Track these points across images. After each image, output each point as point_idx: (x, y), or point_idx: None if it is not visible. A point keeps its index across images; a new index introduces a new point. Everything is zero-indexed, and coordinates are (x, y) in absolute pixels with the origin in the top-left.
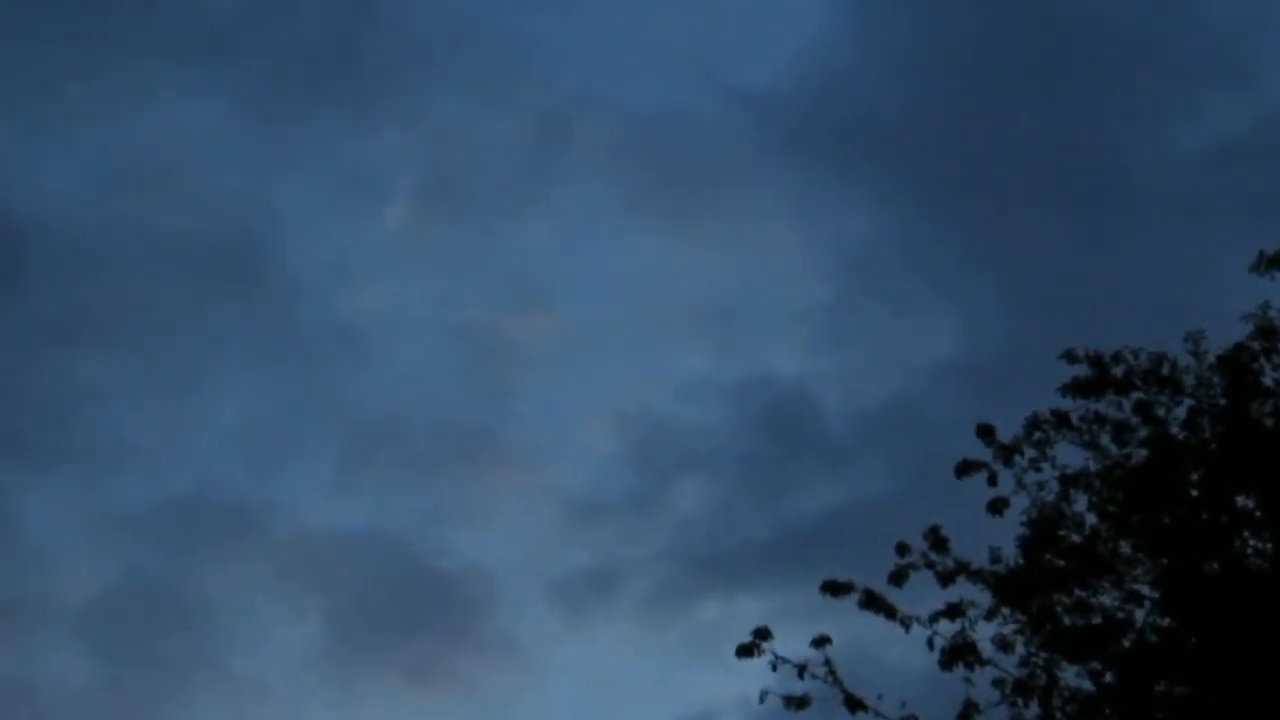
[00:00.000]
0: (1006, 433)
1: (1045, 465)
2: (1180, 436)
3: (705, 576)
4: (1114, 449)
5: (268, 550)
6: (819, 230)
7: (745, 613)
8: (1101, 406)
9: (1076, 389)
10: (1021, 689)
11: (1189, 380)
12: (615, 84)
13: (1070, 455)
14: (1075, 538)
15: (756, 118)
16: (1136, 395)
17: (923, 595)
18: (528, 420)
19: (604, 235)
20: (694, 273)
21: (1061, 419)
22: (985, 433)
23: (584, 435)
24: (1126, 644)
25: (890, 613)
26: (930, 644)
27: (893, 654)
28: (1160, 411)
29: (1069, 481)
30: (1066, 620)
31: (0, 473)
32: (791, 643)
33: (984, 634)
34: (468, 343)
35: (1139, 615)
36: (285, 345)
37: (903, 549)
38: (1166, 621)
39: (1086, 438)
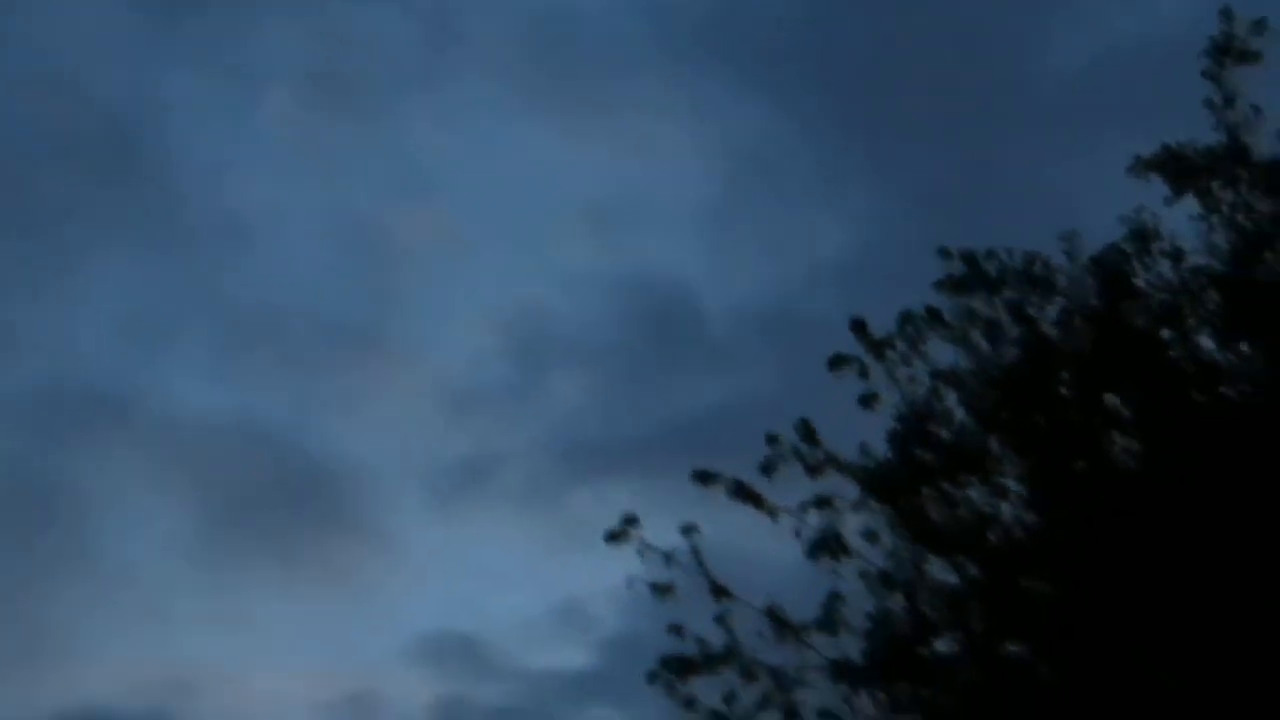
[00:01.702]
0: (883, 330)
1: (917, 361)
2: (1052, 336)
3: (580, 468)
4: (986, 347)
5: (141, 438)
6: (706, 129)
7: (618, 503)
8: (974, 304)
9: (950, 286)
10: (887, 582)
11: (1062, 280)
12: None
13: (942, 352)
14: (945, 434)
15: (650, 14)
16: (1009, 294)
17: (792, 488)
18: (408, 312)
19: (490, 129)
20: (580, 168)
21: (934, 315)
22: (858, 328)
23: (464, 327)
24: (993, 540)
25: (759, 503)
26: (797, 535)
27: (760, 545)
28: (1032, 311)
29: (940, 378)
30: (934, 515)
31: None
32: (662, 533)
33: (851, 527)
34: (350, 236)
35: (1006, 512)
36: (165, 236)
37: (773, 440)
38: (1033, 519)
39: (959, 335)
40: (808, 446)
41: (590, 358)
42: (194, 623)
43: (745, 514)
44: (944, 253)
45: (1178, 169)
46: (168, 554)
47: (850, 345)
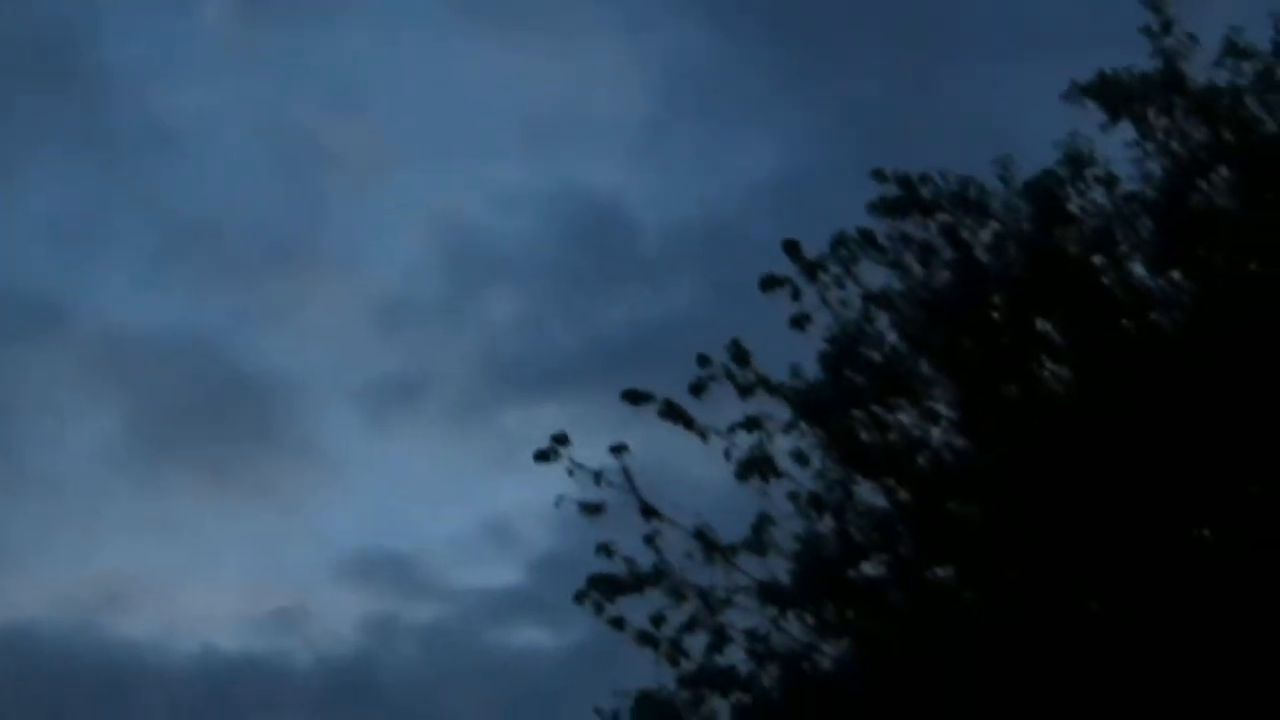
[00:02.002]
0: (817, 252)
1: (849, 283)
2: (985, 261)
3: (511, 385)
4: (919, 270)
5: (71, 346)
6: (642, 44)
7: (549, 422)
8: (908, 227)
9: (883, 209)
10: (817, 504)
11: (996, 205)
12: None
13: (875, 275)
14: (876, 356)
15: None
16: (943, 217)
17: (723, 408)
18: (339, 225)
19: (425, 40)
20: (515, 82)
21: (867, 238)
22: (791, 249)
23: (395, 242)
24: (923, 464)
25: (689, 423)
26: (727, 456)
27: (690, 465)
28: (966, 235)
29: (872, 300)
30: (864, 437)
31: None
32: (594, 452)
33: (781, 448)
34: (283, 145)
35: (936, 436)
36: (97, 141)
37: (704, 361)
38: (963, 443)
39: (891, 257)
40: (739, 367)
41: (523, 274)
42: (122, 534)
43: (676, 434)
44: (878, 175)
45: (1113, 95)
46: (96, 465)
47: (783, 266)
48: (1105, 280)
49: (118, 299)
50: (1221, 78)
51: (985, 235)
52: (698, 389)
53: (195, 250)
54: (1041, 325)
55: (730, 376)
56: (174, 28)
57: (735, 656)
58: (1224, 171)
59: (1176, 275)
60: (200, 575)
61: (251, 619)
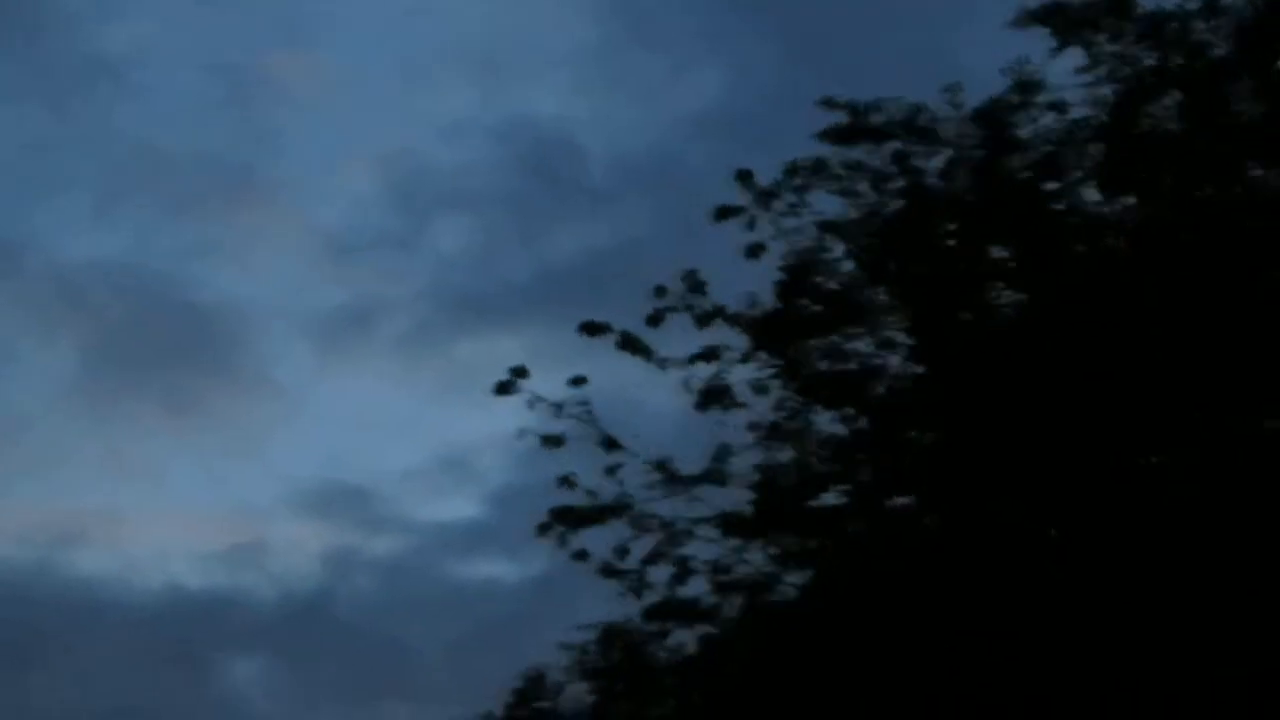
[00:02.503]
0: (769, 180)
1: (803, 212)
2: (936, 187)
3: (464, 316)
4: (871, 197)
5: (22, 283)
6: None
7: (504, 353)
8: (860, 155)
9: (834, 136)
10: (776, 433)
11: (946, 131)
12: None
13: (828, 203)
14: (831, 284)
15: None
16: (894, 145)
17: (680, 339)
18: (288, 158)
19: None
20: (459, 12)
21: (819, 166)
22: (744, 178)
23: (345, 175)
24: (880, 390)
25: (647, 354)
26: (686, 386)
27: (650, 396)
28: (917, 162)
29: (826, 228)
30: (821, 366)
31: None
32: (550, 384)
33: (739, 378)
34: (229, 79)
35: (892, 362)
36: (40, 76)
37: (660, 292)
38: (919, 369)
39: (844, 185)
40: (695, 297)
41: (472, 204)
42: (78, 470)
43: (634, 365)
44: (828, 103)
45: (1061, 21)
46: (52, 398)
47: (734, 196)
48: (1055, 205)
49: (67, 235)
50: (1169, 1)
51: (936, 162)
52: (655, 320)
53: (144, 184)
54: (994, 251)
55: (687, 307)
56: None
57: (698, 588)
58: (1173, 95)
59: (1126, 199)
60: (159, 510)
61: (212, 554)
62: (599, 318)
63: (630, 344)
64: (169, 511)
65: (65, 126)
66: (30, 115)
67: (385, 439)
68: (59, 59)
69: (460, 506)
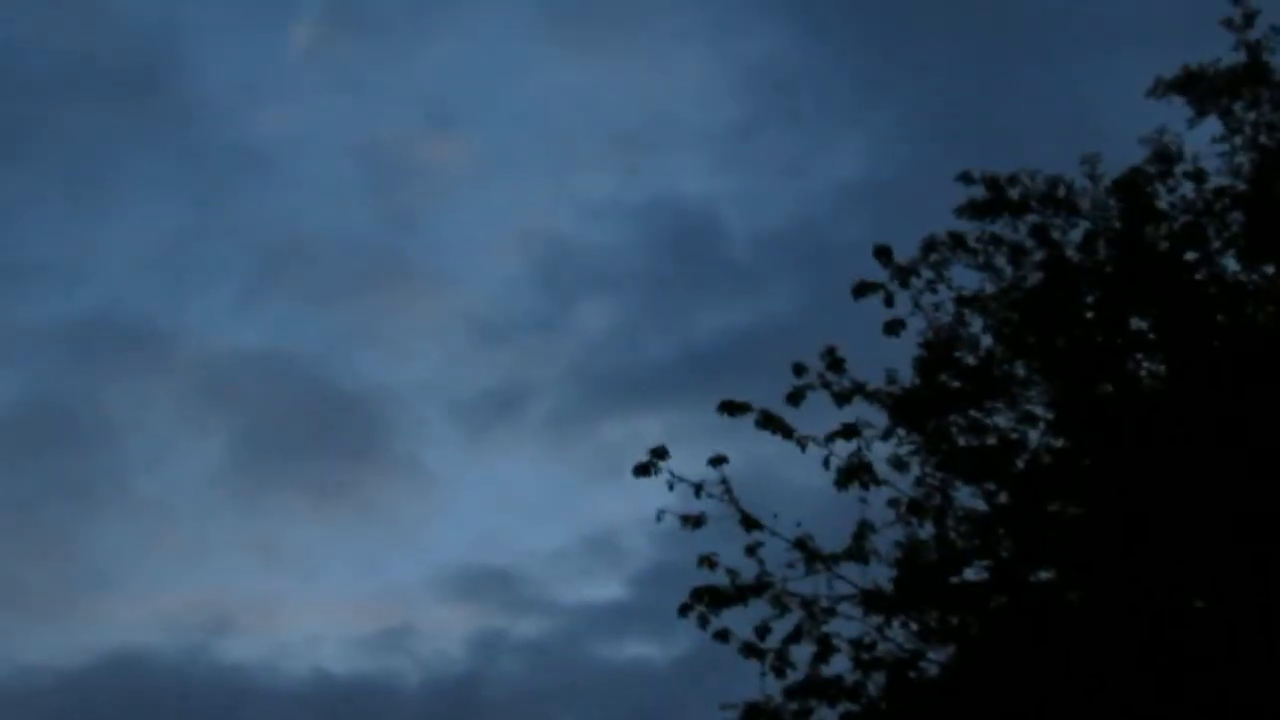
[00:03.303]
0: (907, 255)
1: (941, 287)
2: (1075, 259)
3: (608, 397)
4: (1010, 271)
5: (173, 371)
6: (728, 52)
7: (647, 433)
8: (998, 228)
9: (972, 211)
10: (916, 509)
11: (1085, 203)
12: None
13: (966, 277)
14: (970, 359)
15: None
16: (1032, 218)
17: (820, 416)
18: (434, 242)
19: (512, 55)
20: (602, 93)
21: (957, 240)
22: (882, 254)
23: (490, 257)
24: (1020, 465)
25: (787, 432)
26: (826, 464)
27: (790, 474)
28: (1056, 234)
29: (965, 303)
30: (961, 441)
31: None
32: (692, 463)
33: (879, 454)
34: (374, 164)
35: (1033, 436)
36: (190, 164)
37: (799, 370)
38: (1060, 442)
39: (982, 260)
40: (834, 375)
41: (616, 285)
42: (229, 556)
43: (774, 443)
44: (965, 178)
45: (1199, 90)
46: (201, 487)
47: (874, 270)
48: (1196, 275)
49: (216, 322)
50: None
51: (1075, 234)
52: (794, 398)
53: (290, 271)
54: (1135, 322)
55: (826, 384)
56: (263, 50)
57: (841, 666)
58: None
59: (1268, 268)
60: (307, 595)
61: (359, 639)
62: (741, 395)
63: (770, 422)
64: (317, 597)
65: (214, 216)
66: (180, 206)
67: (531, 520)
68: (208, 149)
69: (606, 587)
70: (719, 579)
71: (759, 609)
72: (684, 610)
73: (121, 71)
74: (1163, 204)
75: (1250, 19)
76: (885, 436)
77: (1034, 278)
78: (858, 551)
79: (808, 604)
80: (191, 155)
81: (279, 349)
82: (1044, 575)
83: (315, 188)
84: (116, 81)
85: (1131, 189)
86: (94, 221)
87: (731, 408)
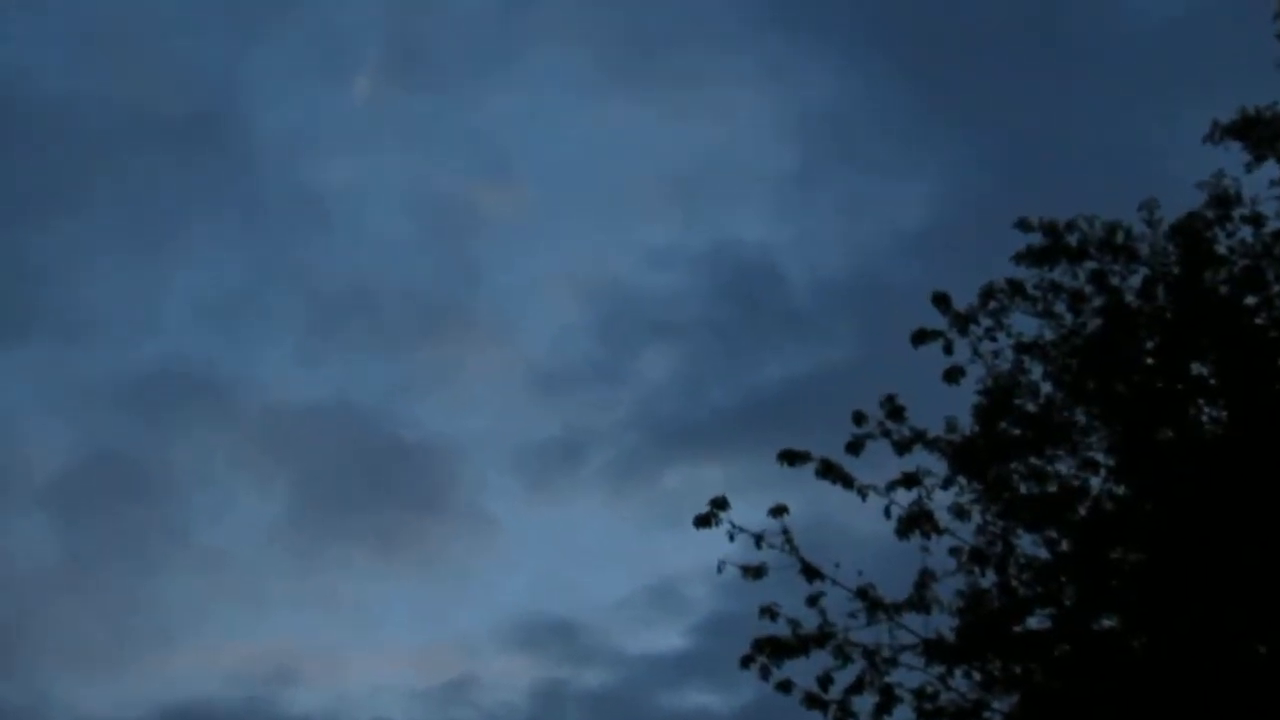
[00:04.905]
0: (966, 302)
1: (1001, 334)
2: (1135, 305)
3: (670, 445)
4: (1069, 317)
5: (233, 422)
6: (786, 97)
7: (709, 481)
8: (1056, 275)
9: (1031, 257)
10: (978, 557)
11: (1143, 249)
12: None
13: (1026, 324)
14: (1031, 406)
15: None
16: (1091, 264)
17: (880, 464)
18: (494, 290)
19: (570, 103)
20: (660, 140)
21: (1016, 288)
22: (941, 301)
23: (550, 305)
24: (1082, 512)
25: (847, 482)
26: (887, 513)
27: (850, 523)
28: (1115, 280)
29: (1024, 350)
30: (1022, 488)
31: None
32: (753, 512)
33: (940, 503)
34: (434, 213)
35: (1095, 483)
36: (250, 216)
37: (859, 418)
38: (1122, 489)
39: (1041, 306)
40: (894, 423)
41: (675, 333)
42: (290, 608)
43: (834, 492)
44: (1024, 224)
45: (1256, 134)
46: (262, 537)
47: (933, 316)
48: (1257, 319)
49: (276, 372)
50: None
51: (1134, 280)
52: (854, 446)
53: (350, 320)
54: (1195, 368)
55: (886, 433)
56: (323, 100)
57: (903, 716)
58: None
59: None
60: (368, 645)
61: (422, 690)
62: (801, 444)
63: (830, 471)
64: (379, 648)
65: (275, 267)
66: (241, 257)
67: (594, 570)
68: (269, 200)
69: (669, 637)
70: (780, 629)
71: (821, 659)
72: (746, 662)
73: (183, 122)
74: (1221, 248)
75: None
76: (946, 485)
77: (1093, 324)
78: (920, 601)
79: (870, 654)
80: (253, 206)
81: (340, 399)
82: (1107, 623)
83: (376, 238)
84: (178, 133)
85: (1190, 234)
86: (156, 273)
87: (791, 457)
